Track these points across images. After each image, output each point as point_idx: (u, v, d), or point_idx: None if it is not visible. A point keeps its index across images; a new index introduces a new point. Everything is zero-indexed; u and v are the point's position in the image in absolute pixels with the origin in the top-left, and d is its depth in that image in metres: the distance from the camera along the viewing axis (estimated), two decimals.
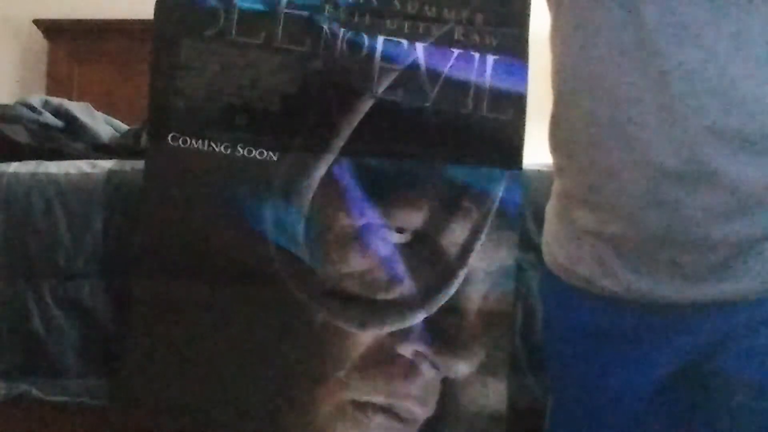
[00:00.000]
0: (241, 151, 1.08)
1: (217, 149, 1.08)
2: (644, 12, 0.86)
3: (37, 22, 3.13)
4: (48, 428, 1.34)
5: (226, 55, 1.09)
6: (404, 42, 1.08)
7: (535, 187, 1.23)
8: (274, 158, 1.08)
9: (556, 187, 1.04)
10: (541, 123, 1.10)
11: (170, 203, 1.10)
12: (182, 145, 1.08)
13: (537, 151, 1.19)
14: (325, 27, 1.08)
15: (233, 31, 1.09)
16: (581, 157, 0.95)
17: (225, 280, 1.09)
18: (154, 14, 1.10)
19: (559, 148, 1.01)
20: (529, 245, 1.26)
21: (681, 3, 0.84)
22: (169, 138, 1.08)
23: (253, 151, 1.08)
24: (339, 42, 1.08)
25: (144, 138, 1.65)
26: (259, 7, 1.09)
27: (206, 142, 1.08)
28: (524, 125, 1.08)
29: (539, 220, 1.13)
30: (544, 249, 1.06)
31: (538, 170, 1.33)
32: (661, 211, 0.87)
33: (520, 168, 1.08)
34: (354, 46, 1.08)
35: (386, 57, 1.08)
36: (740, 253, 0.88)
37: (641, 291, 0.92)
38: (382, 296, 1.08)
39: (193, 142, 1.08)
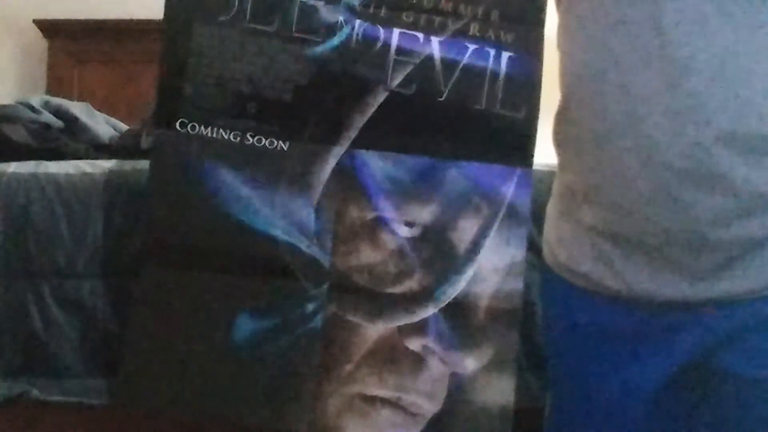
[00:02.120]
0: (250, 139, 1.07)
1: (225, 137, 1.07)
2: (662, 9, 0.85)
3: (37, 22, 3.13)
4: (48, 428, 1.34)
5: (238, 42, 1.08)
6: (420, 35, 1.08)
7: (534, 186, 1.23)
8: (285, 148, 1.08)
9: (559, 184, 1.04)
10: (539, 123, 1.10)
11: (176, 191, 1.09)
12: (190, 132, 1.07)
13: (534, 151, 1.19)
14: (341, 17, 1.08)
15: (247, 18, 1.09)
16: (588, 154, 0.94)
17: (231, 271, 1.08)
18: None
19: (564, 144, 1.00)
20: (529, 245, 1.26)
21: (699, 1, 0.84)
22: (177, 124, 1.08)
23: (263, 140, 1.07)
24: (354, 33, 1.08)
25: (144, 138, 1.65)
26: None
27: (215, 129, 1.07)
28: (537, 122, 1.07)
29: (538, 220, 1.13)
30: (545, 248, 1.06)
31: (536, 170, 1.33)
32: (668, 210, 0.87)
33: (531, 165, 1.08)
34: (369, 37, 1.08)
35: (401, 50, 1.08)
36: (744, 252, 0.87)
37: (644, 290, 0.91)
38: (391, 290, 1.07)
39: (202, 129, 1.07)
